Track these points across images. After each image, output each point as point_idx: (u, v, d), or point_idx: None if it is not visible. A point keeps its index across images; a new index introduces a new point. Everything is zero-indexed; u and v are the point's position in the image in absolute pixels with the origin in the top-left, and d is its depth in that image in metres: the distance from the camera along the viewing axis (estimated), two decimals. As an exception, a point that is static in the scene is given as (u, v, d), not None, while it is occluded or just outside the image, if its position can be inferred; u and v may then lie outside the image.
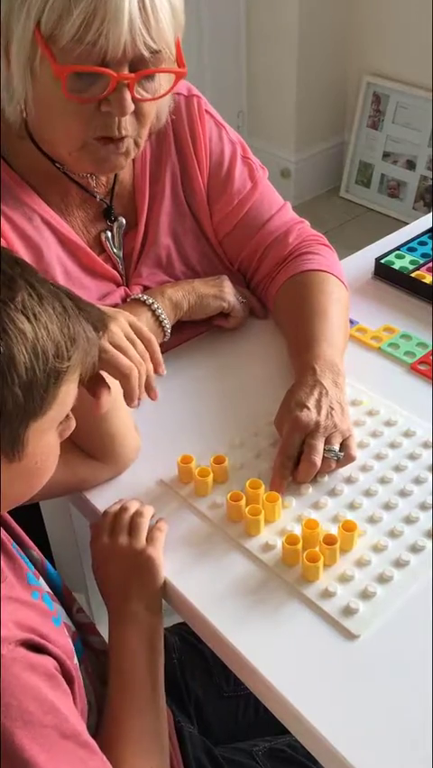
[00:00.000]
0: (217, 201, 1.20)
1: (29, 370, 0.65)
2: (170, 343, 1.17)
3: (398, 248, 1.38)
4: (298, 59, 3.03)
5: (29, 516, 1.23)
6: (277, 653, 0.81)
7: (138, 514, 0.93)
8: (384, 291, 1.32)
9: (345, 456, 0.99)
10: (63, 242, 1.10)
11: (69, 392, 0.71)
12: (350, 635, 0.82)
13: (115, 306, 1.13)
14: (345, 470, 1.00)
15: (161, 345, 1.15)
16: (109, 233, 1.15)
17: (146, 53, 0.93)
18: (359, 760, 0.72)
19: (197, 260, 1.21)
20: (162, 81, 1.00)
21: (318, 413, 0.99)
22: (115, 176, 1.14)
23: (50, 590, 0.85)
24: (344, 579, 0.87)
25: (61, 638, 0.76)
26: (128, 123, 0.99)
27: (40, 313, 0.67)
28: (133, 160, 1.16)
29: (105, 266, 1.14)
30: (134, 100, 0.97)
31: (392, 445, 1.03)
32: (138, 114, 1.00)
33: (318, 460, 0.97)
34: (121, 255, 1.17)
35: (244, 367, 1.18)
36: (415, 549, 0.90)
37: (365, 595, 0.85)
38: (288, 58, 3.05)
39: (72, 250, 1.11)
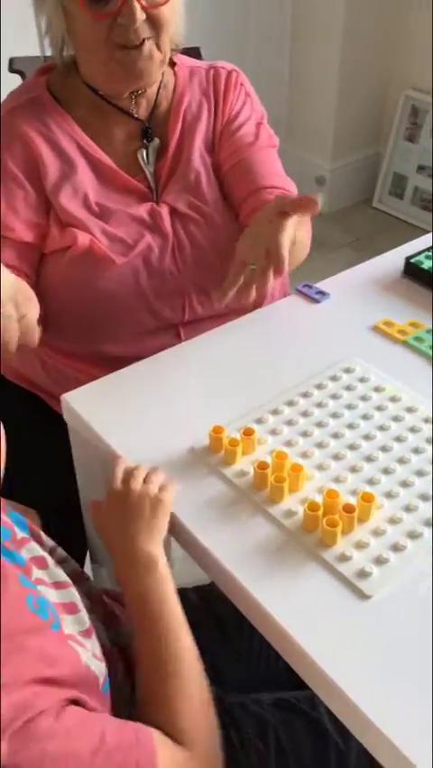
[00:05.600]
0: (225, 143, 1.35)
1: None
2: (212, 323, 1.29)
3: (428, 249, 1.44)
4: (339, 70, 3.10)
5: (63, 479, 1.31)
6: (295, 608, 0.87)
7: (152, 470, 1.00)
8: (413, 289, 1.38)
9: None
10: (94, 163, 1.28)
11: None
12: (363, 595, 0.88)
13: (140, 218, 1.28)
14: (366, 450, 1.06)
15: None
16: (144, 152, 1.31)
17: None
18: (367, 703, 0.78)
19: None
20: None
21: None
22: (155, 101, 1.32)
23: (48, 563, 0.89)
24: (360, 545, 0.93)
25: (61, 650, 0.77)
26: (143, 29, 1.18)
27: None
28: (173, 94, 1.34)
29: (132, 181, 1.29)
30: (143, 9, 1.16)
31: (412, 429, 1.09)
32: (153, 21, 1.19)
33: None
34: (152, 171, 1.31)
35: (275, 343, 1.26)
36: (429, 523, 0.96)
37: (379, 560, 0.91)
38: (330, 68, 3.12)
39: (102, 169, 1.28)
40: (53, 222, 1.26)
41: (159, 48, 1.22)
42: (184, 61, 1.38)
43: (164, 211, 1.30)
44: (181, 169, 1.32)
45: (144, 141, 1.32)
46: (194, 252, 1.31)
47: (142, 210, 1.29)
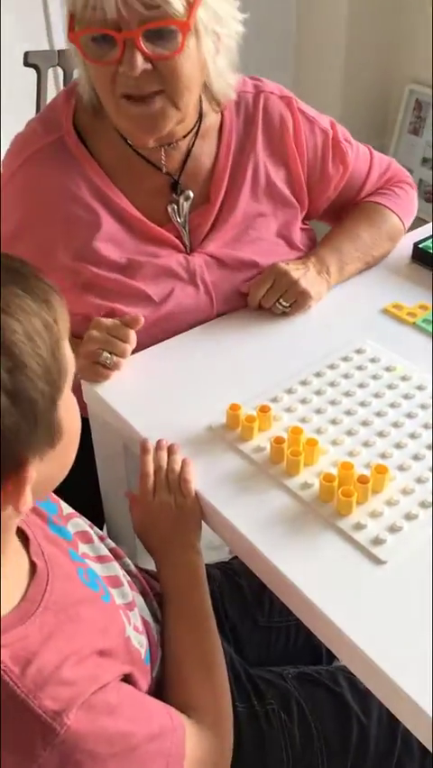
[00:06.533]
0: (314, 189, 1.35)
1: (39, 356, 0.64)
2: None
3: (435, 234, 1.48)
4: (344, 65, 3.13)
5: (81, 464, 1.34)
6: (313, 573, 0.91)
7: (171, 471, 1.03)
8: (421, 273, 1.41)
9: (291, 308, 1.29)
10: (119, 213, 1.21)
11: (67, 347, 0.70)
12: (378, 561, 0.91)
13: (170, 269, 1.23)
14: (378, 426, 1.09)
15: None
16: (175, 206, 1.25)
17: (143, 11, 1.02)
18: (385, 661, 0.81)
19: (269, 241, 1.32)
20: (189, 42, 1.07)
21: (293, 269, 1.26)
22: (188, 153, 1.25)
23: (93, 537, 0.93)
24: (374, 514, 0.97)
25: (111, 621, 0.81)
26: (149, 81, 1.07)
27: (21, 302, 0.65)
28: (219, 144, 1.27)
29: (164, 233, 1.24)
30: (149, 58, 1.05)
31: (423, 406, 1.12)
32: (162, 72, 1.07)
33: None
34: (186, 226, 1.26)
35: (288, 326, 1.30)
36: (440, 493, 0.99)
37: (393, 528, 0.95)
38: (335, 63, 3.15)
39: (129, 221, 1.22)
40: (68, 282, 1.19)
41: (174, 104, 1.11)
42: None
43: (198, 261, 1.25)
44: (223, 228, 1.27)
45: (174, 196, 1.25)
46: (234, 301, 1.30)
47: (173, 261, 1.24)
